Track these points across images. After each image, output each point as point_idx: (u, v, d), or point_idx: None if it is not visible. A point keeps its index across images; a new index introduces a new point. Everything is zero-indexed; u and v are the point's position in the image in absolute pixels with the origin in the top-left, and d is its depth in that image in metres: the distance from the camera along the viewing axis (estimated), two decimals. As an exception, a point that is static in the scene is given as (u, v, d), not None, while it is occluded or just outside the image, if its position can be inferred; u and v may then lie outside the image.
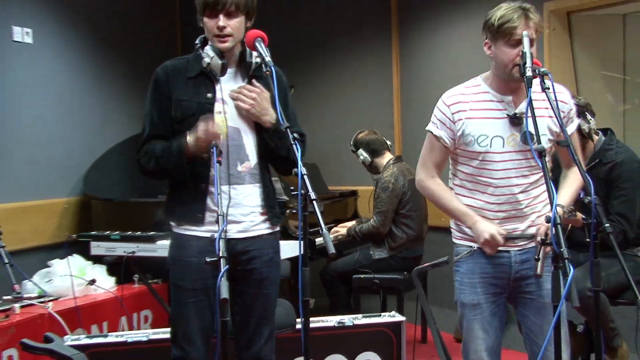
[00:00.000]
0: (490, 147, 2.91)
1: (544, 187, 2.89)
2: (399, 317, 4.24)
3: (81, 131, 5.86)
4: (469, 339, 3.02)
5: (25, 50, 5.42)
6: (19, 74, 5.37)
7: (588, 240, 2.56)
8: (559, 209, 2.77)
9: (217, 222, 2.57)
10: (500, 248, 2.92)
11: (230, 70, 2.94)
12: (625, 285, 3.72)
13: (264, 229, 3.02)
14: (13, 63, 5.32)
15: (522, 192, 2.90)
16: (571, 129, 2.95)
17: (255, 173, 2.97)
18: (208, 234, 2.84)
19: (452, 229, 3.10)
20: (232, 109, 2.92)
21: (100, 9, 6.08)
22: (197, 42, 3.00)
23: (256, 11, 2.93)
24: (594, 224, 2.50)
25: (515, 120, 2.84)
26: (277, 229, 3.11)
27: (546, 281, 2.77)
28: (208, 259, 2.52)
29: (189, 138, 2.80)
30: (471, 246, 2.99)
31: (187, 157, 2.82)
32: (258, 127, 2.94)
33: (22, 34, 5.37)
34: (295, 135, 2.62)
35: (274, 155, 2.98)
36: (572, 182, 2.95)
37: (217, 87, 2.92)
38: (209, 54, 2.88)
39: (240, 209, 2.94)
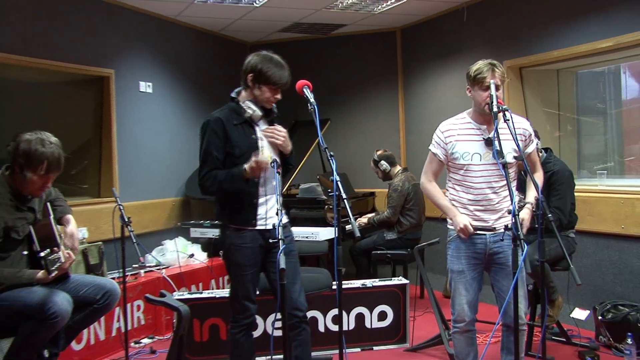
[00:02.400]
0: (471, 160, 2.90)
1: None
2: (404, 281, 4.24)
3: (184, 152, 5.93)
4: (455, 294, 3.00)
5: (147, 98, 5.49)
6: (143, 114, 5.44)
7: (537, 225, 2.55)
8: (529, 206, 2.85)
9: (277, 214, 2.60)
10: (478, 232, 2.90)
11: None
12: (561, 256, 3.69)
13: (286, 220, 3.04)
14: (139, 107, 5.40)
15: (493, 192, 2.88)
16: (531, 148, 2.98)
17: (279, 184, 3.00)
18: (256, 228, 2.90)
19: (448, 219, 3.08)
20: (266, 144, 2.92)
21: (199, 67, 6.14)
22: (234, 95, 2.97)
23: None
24: (540, 215, 2.49)
25: (488, 142, 2.84)
26: (289, 219, 3.11)
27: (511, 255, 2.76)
28: (271, 240, 2.55)
29: (246, 166, 2.78)
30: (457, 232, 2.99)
31: (244, 178, 2.81)
32: (279, 154, 2.97)
33: (145, 86, 5.44)
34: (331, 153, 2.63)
35: (285, 170, 3.04)
36: (533, 186, 2.90)
37: (257, 130, 2.93)
38: (252, 108, 2.86)
39: (274, 209, 2.94)
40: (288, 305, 2.94)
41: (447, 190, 3.05)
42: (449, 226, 3.05)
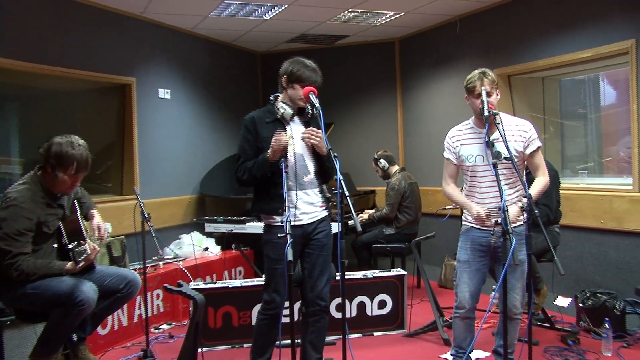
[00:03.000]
0: (476, 162, 2.92)
1: (514, 187, 2.91)
2: (402, 272, 4.24)
3: (199, 153, 5.96)
4: (459, 283, 3.02)
5: (166, 104, 5.50)
6: (162, 119, 5.45)
7: (524, 221, 2.55)
8: (519, 204, 2.71)
9: (286, 211, 2.61)
10: (484, 228, 2.93)
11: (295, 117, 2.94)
12: (546, 249, 3.70)
13: (324, 215, 3.00)
14: (158, 112, 5.41)
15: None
16: (532, 148, 2.90)
17: (314, 182, 2.95)
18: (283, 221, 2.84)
19: (463, 215, 3.09)
20: (298, 142, 2.89)
21: (213, 75, 6.15)
22: (271, 98, 2.98)
23: None
24: (528, 211, 2.49)
25: (489, 144, 2.84)
26: (328, 213, 3.06)
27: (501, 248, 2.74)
28: (279, 235, 2.56)
29: (268, 151, 2.79)
30: (468, 226, 3.02)
31: (268, 163, 2.79)
32: (314, 153, 2.93)
33: (163, 93, 5.45)
34: (335, 154, 2.63)
35: (322, 170, 2.97)
36: (535, 185, 2.91)
37: (288, 128, 2.92)
38: (284, 107, 2.87)
39: (308, 205, 2.92)
40: (313, 295, 2.94)
41: (463, 190, 3.08)
42: (463, 221, 3.07)
